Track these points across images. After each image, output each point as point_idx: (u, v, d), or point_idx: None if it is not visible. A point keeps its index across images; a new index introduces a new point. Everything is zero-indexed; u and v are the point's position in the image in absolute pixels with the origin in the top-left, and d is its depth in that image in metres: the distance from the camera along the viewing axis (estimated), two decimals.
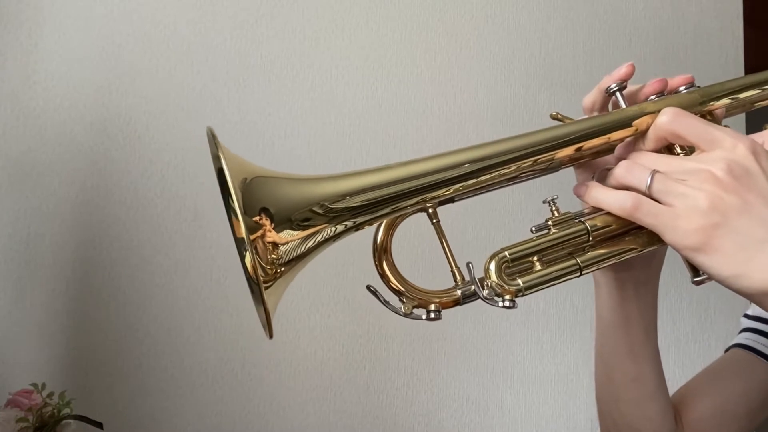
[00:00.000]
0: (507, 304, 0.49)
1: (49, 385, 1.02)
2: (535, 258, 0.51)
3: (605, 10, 1.50)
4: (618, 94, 0.56)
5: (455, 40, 1.41)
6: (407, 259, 1.23)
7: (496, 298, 0.49)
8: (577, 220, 0.52)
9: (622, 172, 0.50)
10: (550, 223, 0.52)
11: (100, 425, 1.02)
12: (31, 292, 1.16)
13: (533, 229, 0.53)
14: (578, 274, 0.51)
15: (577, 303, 1.40)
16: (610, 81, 0.57)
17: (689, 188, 0.47)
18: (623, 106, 0.55)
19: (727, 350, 0.78)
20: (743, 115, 1.37)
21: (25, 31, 1.19)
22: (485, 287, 0.50)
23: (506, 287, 0.49)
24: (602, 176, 0.53)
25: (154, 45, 1.25)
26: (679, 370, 1.39)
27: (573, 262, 0.51)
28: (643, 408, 0.66)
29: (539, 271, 0.50)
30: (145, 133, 1.23)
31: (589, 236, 0.52)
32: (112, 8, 1.24)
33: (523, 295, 0.49)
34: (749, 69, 1.57)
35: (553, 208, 0.53)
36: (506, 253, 0.50)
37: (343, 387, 1.27)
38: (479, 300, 0.50)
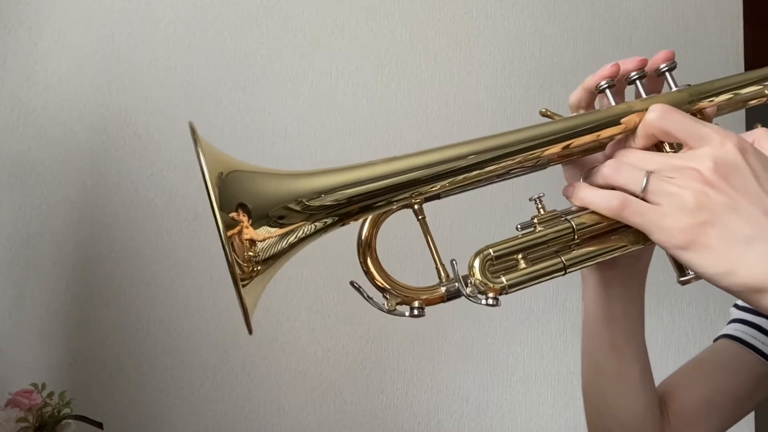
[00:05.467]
0: (490, 302, 0.48)
1: (49, 385, 1.03)
2: (520, 256, 0.50)
3: (605, 10, 1.50)
4: (608, 91, 0.56)
5: (455, 40, 1.40)
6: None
7: (479, 296, 0.49)
8: (562, 219, 0.52)
9: (609, 172, 0.50)
10: (535, 221, 0.52)
11: (100, 425, 1.03)
12: (31, 292, 1.16)
13: (519, 226, 0.53)
14: (563, 272, 0.50)
15: (577, 303, 1.40)
16: (595, 80, 0.57)
17: (676, 187, 0.47)
18: (612, 103, 0.55)
19: (715, 340, 0.78)
20: (743, 111, 1.37)
21: (25, 31, 1.19)
22: (469, 285, 0.49)
23: (490, 285, 0.48)
24: (589, 175, 0.53)
25: (154, 45, 1.25)
26: None
27: (558, 260, 0.50)
28: (627, 401, 0.67)
29: (524, 269, 0.50)
30: (145, 133, 1.23)
31: (574, 235, 0.51)
32: (112, 8, 1.24)
33: (507, 293, 0.49)
34: (749, 68, 1.56)
35: (539, 206, 0.52)
36: (491, 250, 0.49)
37: (343, 387, 1.27)
38: (467, 298, 0.50)
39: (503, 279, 0.49)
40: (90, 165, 1.20)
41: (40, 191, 1.17)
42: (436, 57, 1.39)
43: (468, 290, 0.49)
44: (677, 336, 1.43)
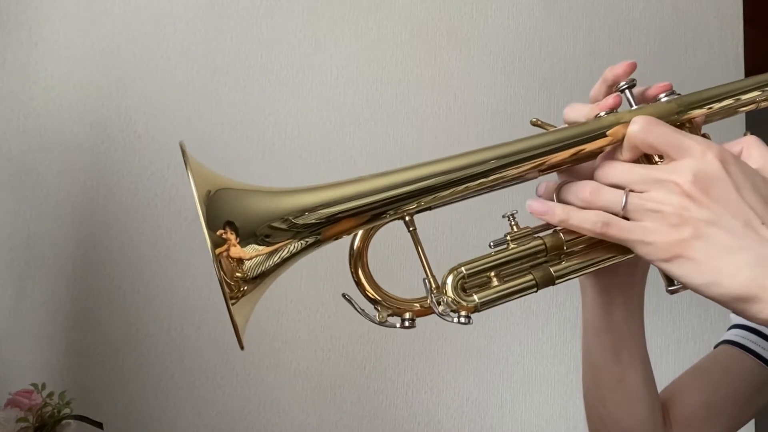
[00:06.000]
0: (462, 320, 0.48)
1: (49, 385, 1.02)
2: (492, 273, 0.50)
3: (605, 10, 1.50)
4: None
5: (455, 40, 1.41)
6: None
7: (452, 314, 0.49)
8: (535, 236, 0.52)
9: (589, 196, 0.50)
10: (508, 238, 0.52)
11: (100, 425, 1.02)
12: (31, 292, 1.16)
13: (491, 244, 0.53)
14: (535, 290, 0.51)
15: (577, 303, 1.39)
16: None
17: (656, 203, 0.47)
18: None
19: (716, 346, 0.79)
20: (743, 116, 1.37)
21: (25, 31, 1.19)
22: (441, 303, 0.49)
23: (462, 303, 0.49)
24: (560, 192, 0.53)
25: (154, 45, 1.25)
26: (679, 370, 1.37)
27: (530, 278, 0.50)
28: (629, 408, 0.67)
29: (496, 287, 0.50)
30: (145, 133, 1.23)
31: (546, 252, 0.51)
32: (112, 8, 1.24)
33: (479, 311, 0.49)
34: (749, 69, 1.57)
35: (512, 223, 0.53)
36: (463, 269, 0.50)
37: (343, 387, 1.27)
38: (439, 316, 0.50)
39: (475, 297, 0.49)
40: (90, 165, 1.20)
41: (40, 191, 1.17)
42: (436, 57, 1.39)
43: (440, 308, 0.49)
44: (677, 336, 1.44)
